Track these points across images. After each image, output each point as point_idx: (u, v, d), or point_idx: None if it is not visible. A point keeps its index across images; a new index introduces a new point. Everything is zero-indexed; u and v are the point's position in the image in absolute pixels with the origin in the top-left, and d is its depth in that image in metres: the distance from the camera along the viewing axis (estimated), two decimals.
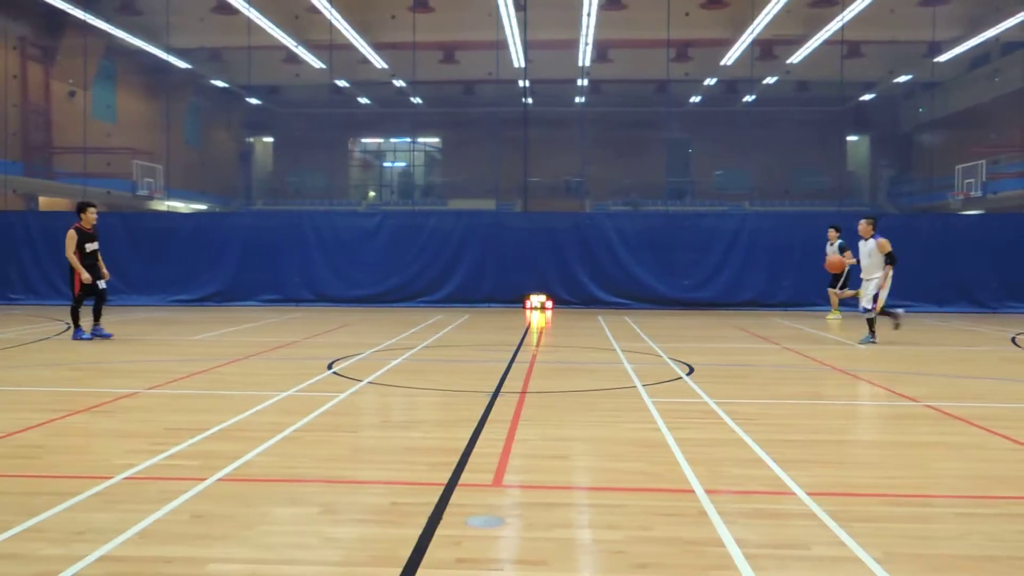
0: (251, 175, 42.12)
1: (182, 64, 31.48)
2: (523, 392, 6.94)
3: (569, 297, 17.10)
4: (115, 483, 4.18)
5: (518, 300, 17.00)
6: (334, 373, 7.96)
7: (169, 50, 27.44)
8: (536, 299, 16.77)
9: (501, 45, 28.56)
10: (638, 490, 4.14)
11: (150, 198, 30.71)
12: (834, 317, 14.72)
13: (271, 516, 3.72)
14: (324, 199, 36.73)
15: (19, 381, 7.44)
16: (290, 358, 9.21)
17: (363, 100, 39.87)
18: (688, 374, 8.06)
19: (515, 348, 10.10)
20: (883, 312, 10.64)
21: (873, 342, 10.70)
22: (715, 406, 6.33)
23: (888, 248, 10.48)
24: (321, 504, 3.88)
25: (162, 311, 16.12)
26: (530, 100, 37.70)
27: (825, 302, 16.01)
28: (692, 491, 4.08)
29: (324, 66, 32.32)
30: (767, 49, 30.72)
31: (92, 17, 25.11)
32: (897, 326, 10.89)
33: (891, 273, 10.52)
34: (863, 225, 10.79)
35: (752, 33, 26.75)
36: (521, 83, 30.23)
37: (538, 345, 9.49)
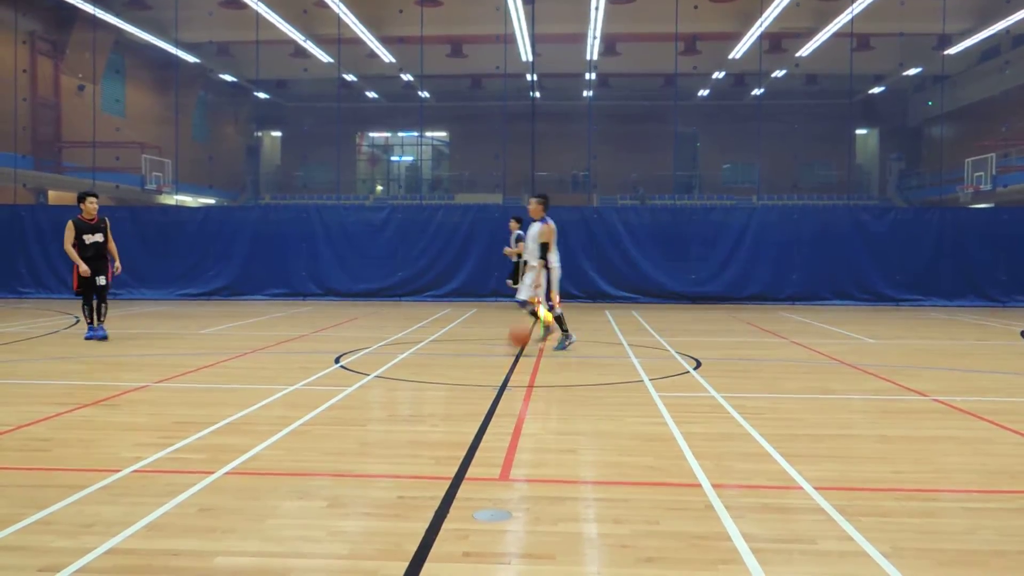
0: (259, 169, 42.21)
1: (191, 58, 31.56)
2: (530, 386, 6.94)
3: (576, 291, 17.08)
4: (123, 476, 4.20)
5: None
6: (341, 367, 7.97)
7: (178, 44, 27.50)
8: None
9: (509, 39, 28.50)
10: (645, 484, 4.13)
11: (158, 192, 30.81)
12: None
13: (279, 509, 3.73)
14: (332, 193, 36.77)
15: (27, 374, 7.48)
16: (297, 352, 9.23)
17: (371, 94, 39.86)
18: (695, 368, 8.05)
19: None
20: (557, 318, 9.30)
21: (564, 346, 9.36)
22: (722, 400, 6.33)
23: (546, 237, 9.04)
24: (328, 498, 3.89)
25: (170, 305, 16.17)
26: (538, 94, 37.60)
27: (835, 296, 16.00)
28: (699, 485, 4.08)
29: (332, 60, 32.32)
30: (776, 42, 30.60)
31: (101, 11, 25.17)
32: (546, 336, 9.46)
33: (550, 266, 9.11)
34: (532, 204, 9.31)
35: (761, 26, 26.63)
36: (529, 77, 30.17)
37: (546, 340, 9.53)
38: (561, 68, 33.74)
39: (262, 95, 38.81)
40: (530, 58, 29.79)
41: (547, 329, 9.35)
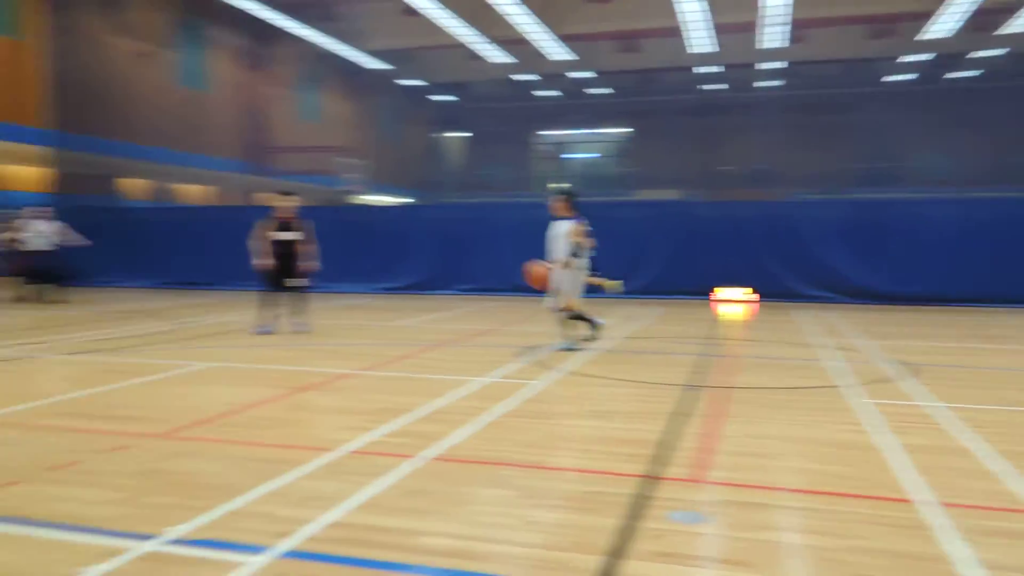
0: (444, 169, 43.89)
1: (378, 65, 33.32)
2: (719, 387, 6.81)
3: (760, 290, 16.48)
4: (338, 456, 4.57)
5: (706, 292, 16.61)
6: (532, 361, 8.18)
7: (368, 53, 29.16)
8: (729, 292, 16.29)
9: (684, 31, 27.89)
10: (846, 495, 3.96)
11: (352, 192, 32.83)
12: None
13: (477, 496, 3.92)
14: (510, 191, 37.58)
15: (251, 359, 8.25)
16: (488, 345, 9.56)
17: (547, 93, 40.36)
18: (898, 374, 7.55)
19: (712, 342, 9.90)
20: (577, 316, 8.82)
21: (572, 347, 8.88)
22: (930, 409, 5.91)
23: (579, 236, 8.56)
24: (521, 488, 4.03)
25: (368, 298, 17.22)
26: (716, 86, 36.54)
27: None
28: (908, 500, 3.85)
29: (509, 61, 33.02)
30: (980, 19, 27.75)
31: (299, 26, 27.18)
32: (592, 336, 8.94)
33: (574, 267, 8.58)
34: (555, 201, 8.89)
35: (963, 3, 24.32)
36: (706, 69, 29.40)
37: (736, 339, 9.27)
38: (740, 58, 32.53)
39: (444, 97, 40.29)
40: (708, 49, 29.00)
41: (592, 326, 8.95)
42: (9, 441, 4.86)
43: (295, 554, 3.16)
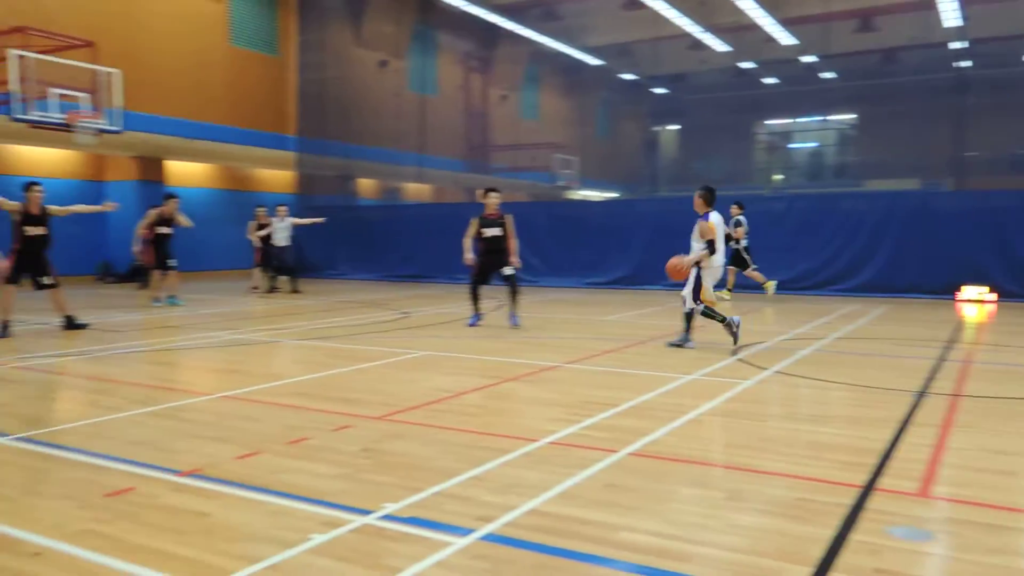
0: (657, 163, 43.34)
1: (595, 61, 33.50)
2: (955, 395, 6.16)
3: (1018, 289, 14.67)
4: (540, 446, 4.65)
5: (948, 291, 15.06)
6: (739, 360, 7.88)
7: (584, 49, 29.41)
8: (972, 290, 14.66)
9: (929, 5, 25.44)
10: None
11: (567, 188, 33.32)
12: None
13: (678, 495, 3.82)
14: (729, 183, 36.35)
15: (462, 349, 8.63)
16: (695, 342, 9.31)
17: (769, 80, 38.57)
18: None
19: (945, 345, 8.99)
20: (706, 313, 8.48)
21: (681, 344, 8.61)
22: None
23: (712, 234, 8.37)
24: (726, 489, 3.88)
25: (577, 292, 17.42)
26: (967, 63, 33.00)
27: None
28: None
29: (729, 49, 31.90)
30: None
31: (520, 27, 27.95)
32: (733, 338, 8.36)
33: (704, 265, 8.41)
34: (696, 198, 8.68)
35: None
36: (955, 45, 26.63)
37: (975, 343, 8.33)
38: (997, 31, 29.08)
39: (660, 90, 39.73)
40: (957, 23, 26.25)
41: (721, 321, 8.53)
42: (253, 416, 5.43)
43: (495, 538, 3.26)
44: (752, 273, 14.69)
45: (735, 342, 8.44)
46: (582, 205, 24.67)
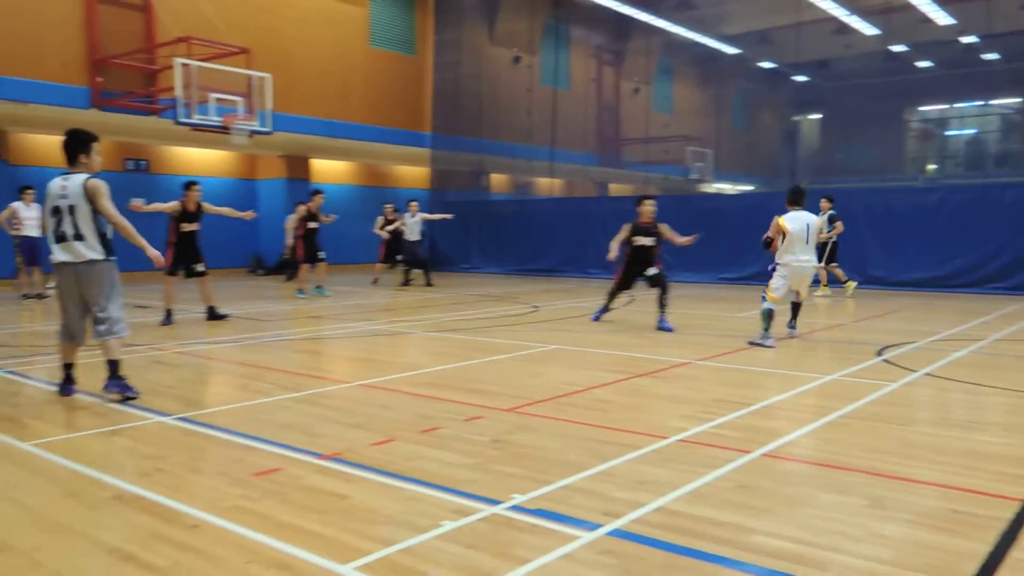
0: (796, 154, 41.63)
1: (731, 50, 32.53)
2: None
3: None
4: (670, 443, 4.58)
5: None
6: (884, 360, 7.46)
7: (720, 38, 28.60)
8: None
9: None
10: None
11: (700, 181, 32.57)
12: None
13: (815, 500, 3.67)
14: (875, 175, 34.45)
15: (593, 344, 8.62)
16: (836, 340, 8.91)
17: (923, 64, 36.22)
18: None
19: None
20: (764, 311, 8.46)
21: (761, 343, 8.34)
22: None
23: (773, 232, 8.61)
24: (868, 496, 3.69)
25: (711, 288, 17.02)
26: None
27: None
28: None
29: (878, 32, 30.17)
30: None
31: (654, 18, 27.51)
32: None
33: (779, 263, 8.62)
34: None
35: None
36: None
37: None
38: None
39: (801, 78, 38.10)
40: None
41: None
42: (389, 404, 5.64)
43: (623, 534, 3.24)
44: (833, 269, 14.55)
45: (750, 342, 8.51)
46: (716, 198, 24.06)
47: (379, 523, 3.36)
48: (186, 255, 10.59)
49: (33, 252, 13.63)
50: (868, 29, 29.94)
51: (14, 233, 13.75)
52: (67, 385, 5.90)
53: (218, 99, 15.26)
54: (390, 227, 17.10)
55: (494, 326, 10.21)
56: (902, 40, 32.53)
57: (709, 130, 34.78)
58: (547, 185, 28.81)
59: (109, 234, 5.83)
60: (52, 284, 14.42)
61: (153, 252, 6.13)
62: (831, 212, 14.13)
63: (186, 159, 20.90)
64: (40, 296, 13.60)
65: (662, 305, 9.82)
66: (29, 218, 13.59)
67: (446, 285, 17.50)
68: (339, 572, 2.89)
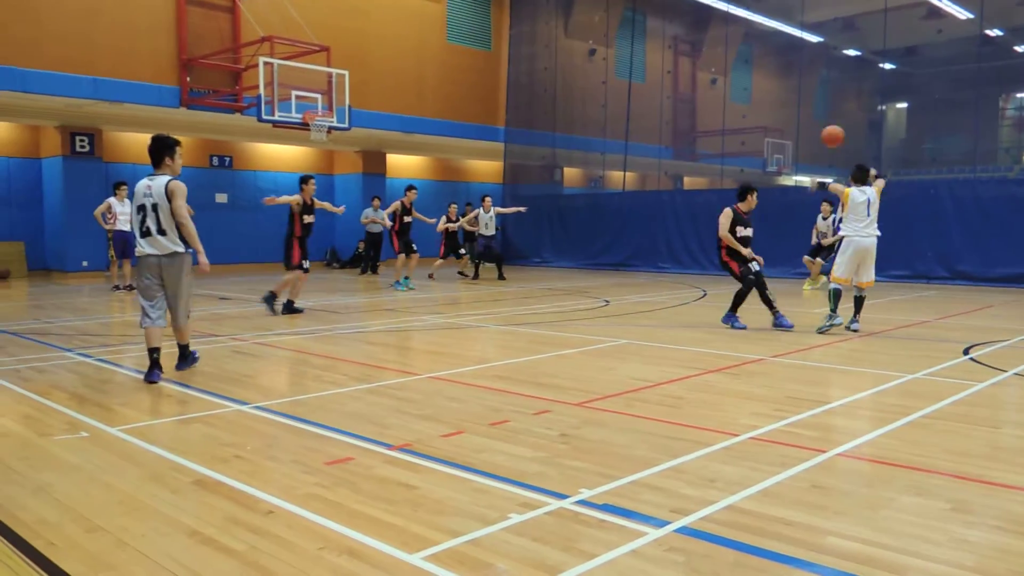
0: (881, 144, 40.21)
1: (814, 38, 31.60)
2: None
3: None
4: (741, 441, 4.50)
5: None
6: (971, 359, 7.15)
7: (803, 26, 27.81)
8: None
9: None
10: None
11: (778, 174, 31.78)
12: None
13: (894, 502, 3.55)
14: (965, 165, 33.00)
15: (664, 339, 8.52)
16: (919, 338, 8.58)
17: (1021, 48, 34.47)
18: None
19: None
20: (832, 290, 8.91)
21: (828, 326, 8.78)
22: None
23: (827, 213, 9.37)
24: (951, 500, 3.55)
25: (788, 283, 16.60)
26: None
27: None
28: None
29: (972, 16, 28.87)
30: None
31: (733, 7, 26.92)
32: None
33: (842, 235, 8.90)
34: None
35: None
36: None
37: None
38: None
39: (888, 66, 36.75)
40: None
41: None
42: (458, 396, 5.69)
43: (691, 532, 3.20)
44: (809, 263, 14.80)
45: (818, 330, 8.78)
46: (794, 191, 23.39)
47: (447, 514, 3.41)
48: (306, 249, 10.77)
49: (125, 245, 14.26)
50: (961, 13, 28.67)
51: (108, 227, 14.42)
52: (154, 370, 6.23)
53: (298, 96, 15.65)
54: (451, 225, 17.28)
55: (564, 320, 10.19)
56: (998, 24, 31.04)
57: (788, 121, 33.83)
58: (619, 178, 28.60)
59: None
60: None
61: (204, 260, 6.62)
62: (834, 215, 14.04)
63: (267, 155, 21.51)
64: (130, 288, 14.22)
65: (771, 303, 9.29)
66: (123, 213, 14.21)
67: (517, 279, 17.56)
68: (407, 561, 2.94)
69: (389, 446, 4.40)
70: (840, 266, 8.71)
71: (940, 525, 3.27)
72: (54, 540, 3.14)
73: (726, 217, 9.40)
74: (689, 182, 32.01)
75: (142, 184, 6.35)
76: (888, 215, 16.88)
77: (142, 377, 6.29)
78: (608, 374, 6.51)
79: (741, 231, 9.46)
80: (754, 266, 9.37)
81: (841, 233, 8.85)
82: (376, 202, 19.20)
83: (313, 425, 4.87)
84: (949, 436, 4.60)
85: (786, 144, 31.90)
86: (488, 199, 17.74)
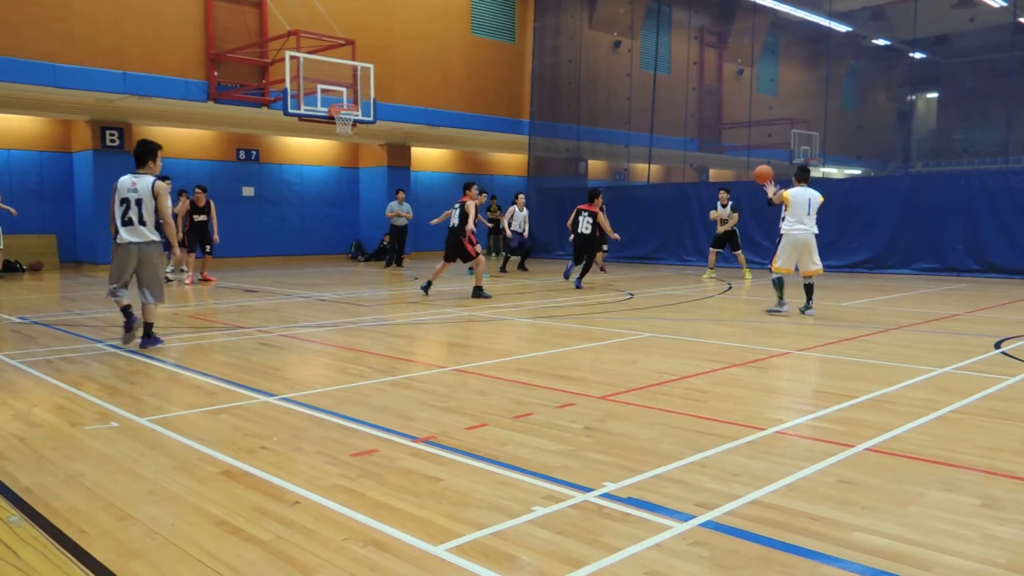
0: (911, 135, 39.61)
1: (843, 28, 31.18)
2: None
3: None
4: (767, 435, 4.46)
5: None
6: (1002, 353, 7.04)
7: (831, 16, 27.43)
8: None
9: None
10: None
11: (806, 165, 31.43)
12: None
13: (923, 498, 3.51)
14: (998, 156, 32.42)
15: (689, 332, 8.47)
16: (948, 332, 8.46)
17: None
18: None
19: None
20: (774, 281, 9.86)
21: (778, 310, 9.81)
22: None
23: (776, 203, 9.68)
24: (982, 496, 3.50)
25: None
26: None
27: None
28: None
29: (1005, 3, 28.33)
30: None
31: None
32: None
33: (781, 232, 9.65)
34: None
35: None
36: None
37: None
38: None
39: (918, 55, 36.19)
40: None
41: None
42: (482, 389, 5.71)
43: (716, 526, 3.18)
44: (713, 253, 15.84)
45: (768, 311, 9.78)
46: (821, 183, 23.13)
47: (471, 506, 3.42)
48: (454, 249, 11.83)
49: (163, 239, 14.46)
50: (994, 1, 28.17)
51: None
52: (131, 317, 7.48)
53: (324, 90, 15.71)
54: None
55: (588, 313, 10.17)
56: None
57: (816, 112, 33.43)
58: (644, 171, 28.45)
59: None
60: (171, 268, 15.40)
61: (178, 253, 8.31)
62: (731, 202, 15.32)
63: (293, 148, 21.66)
64: (166, 280, 14.41)
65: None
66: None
67: (541, 272, 17.55)
68: (432, 553, 2.95)
69: (414, 438, 4.42)
70: (780, 258, 9.59)
71: (971, 521, 3.23)
72: (85, 528, 3.19)
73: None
74: (715, 174, 31.76)
75: (126, 180, 7.28)
76: (917, 207, 16.74)
77: (124, 327, 7.46)
78: (632, 367, 6.48)
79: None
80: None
81: (782, 229, 9.60)
82: (400, 195, 19.30)
83: (338, 417, 4.91)
84: (980, 431, 4.53)
85: (813, 135, 31.51)
86: (521, 196, 18.00)
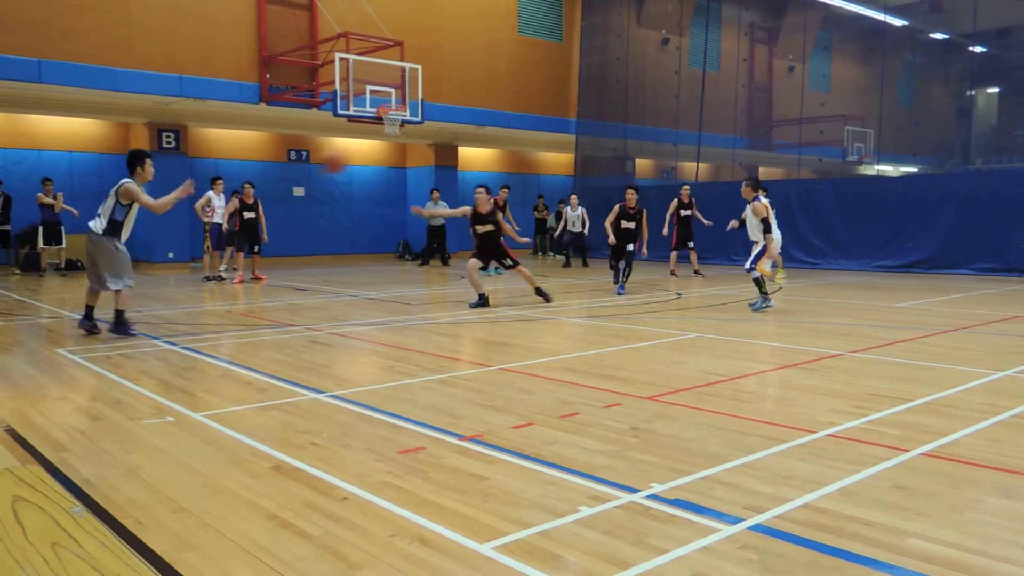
0: (970, 131, 38.49)
1: (898, 22, 30.45)
2: None
3: None
4: (819, 438, 4.38)
5: None
6: None
7: (886, 10, 26.81)
8: None
9: None
10: None
11: (859, 163, 30.77)
12: None
13: (981, 504, 3.41)
14: None
15: (738, 333, 8.36)
16: (1009, 334, 8.21)
17: None
18: None
19: None
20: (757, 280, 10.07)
21: (762, 307, 10.08)
22: None
23: (763, 214, 10.03)
24: None
25: (866, 276, 16.09)
26: None
27: None
28: None
29: None
30: None
31: None
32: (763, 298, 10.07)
33: (770, 240, 10.14)
34: (743, 188, 10.36)
35: None
36: None
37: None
38: None
39: (978, 49, 35.14)
40: None
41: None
42: (528, 388, 5.71)
43: (765, 530, 3.14)
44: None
45: (753, 308, 10.07)
46: (876, 181, 22.62)
47: (517, 505, 3.42)
48: (487, 253, 11.07)
49: (219, 237, 14.79)
50: None
51: (206, 220, 14.96)
52: (92, 318, 8.37)
53: (372, 91, 15.88)
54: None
55: (635, 313, 10.11)
56: None
57: (870, 109, 32.69)
58: (692, 169, 28.16)
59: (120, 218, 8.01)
60: (224, 267, 15.74)
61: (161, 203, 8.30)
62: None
63: (343, 149, 21.93)
64: (219, 278, 14.73)
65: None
66: (219, 206, 14.73)
67: (588, 271, 17.51)
68: (477, 551, 2.97)
69: (460, 436, 4.45)
70: (767, 262, 10.19)
71: None
72: (142, 519, 3.28)
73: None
74: (764, 173, 31.26)
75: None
76: (978, 205, 16.26)
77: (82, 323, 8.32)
78: (680, 367, 6.43)
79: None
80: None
81: (773, 235, 10.35)
82: (435, 195, 19.37)
83: (386, 414, 4.96)
84: None
85: (867, 132, 30.83)
86: (574, 197, 18.31)
